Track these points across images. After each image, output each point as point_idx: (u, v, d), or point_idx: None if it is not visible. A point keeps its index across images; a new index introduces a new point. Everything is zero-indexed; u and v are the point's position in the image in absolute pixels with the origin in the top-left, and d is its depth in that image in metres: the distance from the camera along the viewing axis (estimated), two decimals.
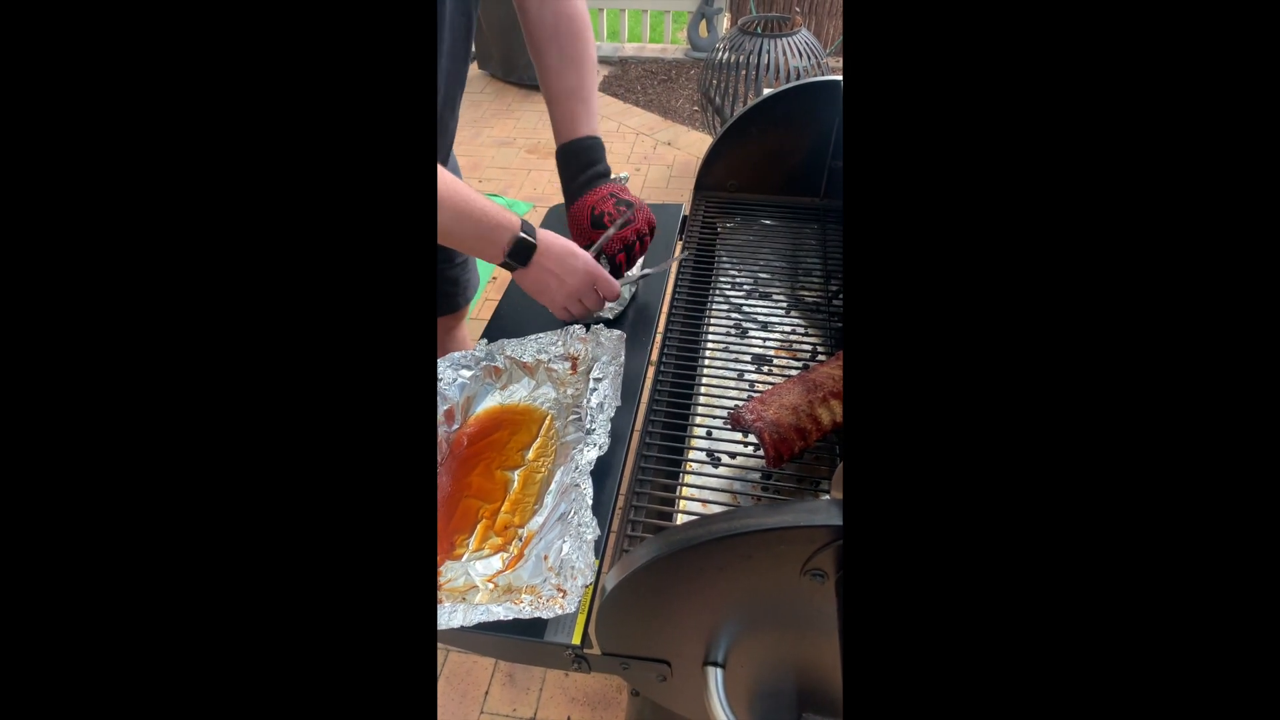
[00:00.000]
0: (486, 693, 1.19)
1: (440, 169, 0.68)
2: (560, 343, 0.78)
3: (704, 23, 3.41)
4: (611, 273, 0.82)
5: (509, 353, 0.77)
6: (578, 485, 0.61)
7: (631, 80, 3.34)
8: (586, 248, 0.80)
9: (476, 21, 0.80)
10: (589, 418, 0.67)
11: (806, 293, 0.89)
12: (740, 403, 0.68)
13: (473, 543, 0.64)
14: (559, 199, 1.01)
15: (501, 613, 0.54)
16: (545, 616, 0.54)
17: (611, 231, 0.81)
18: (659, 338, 0.84)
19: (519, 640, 0.57)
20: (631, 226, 0.82)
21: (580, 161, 0.82)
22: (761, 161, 1.02)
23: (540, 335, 0.78)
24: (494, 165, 2.71)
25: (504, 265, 0.72)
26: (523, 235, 0.71)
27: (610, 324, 0.84)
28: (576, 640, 0.56)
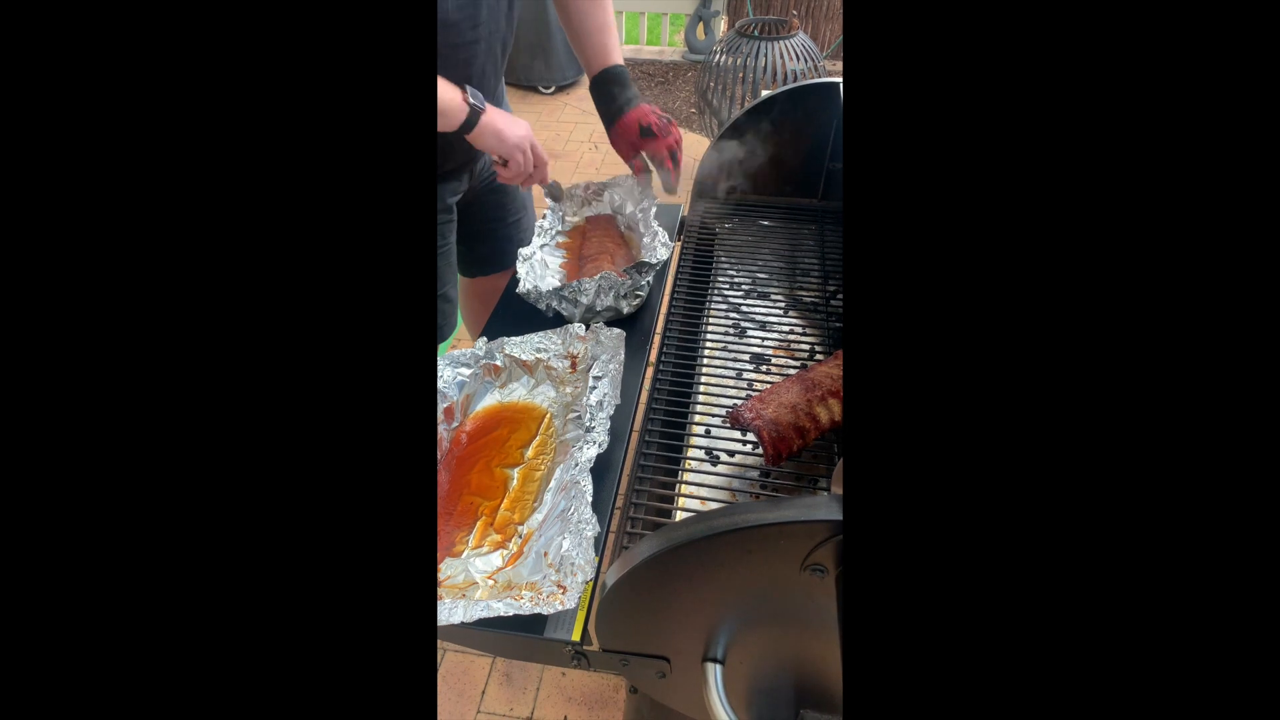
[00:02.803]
0: (483, 692, 1.19)
1: None
2: (560, 341, 0.78)
3: (701, 25, 3.42)
4: (664, 180, 0.98)
5: (508, 351, 0.77)
6: (577, 482, 0.61)
7: None
8: (634, 157, 0.97)
9: None
10: (588, 416, 0.68)
11: (804, 293, 0.90)
12: (739, 401, 0.68)
13: (472, 540, 0.64)
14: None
15: (502, 609, 0.54)
16: (545, 612, 0.54)
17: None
18: (658, 337, 0.85)
19: (519, 636, 0.57)
20: (674, 134, 0.97)
21: (619, 85, 0.96)
22: (759, 163, 1.03)
23: (540, 333, 0.79)
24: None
25: (466, 123, 0.83)
26: (473, 103, 0.84)
27: (610, 323, 0.84)
28: (576, 636, 0.56)
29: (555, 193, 1.04)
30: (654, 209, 0.94)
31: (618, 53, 0.98)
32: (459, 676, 1.21)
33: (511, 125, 0.88)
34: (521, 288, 0.86)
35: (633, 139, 0.96)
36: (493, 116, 0.86)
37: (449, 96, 0.82)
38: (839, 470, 0.41)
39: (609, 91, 0.97)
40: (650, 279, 0.85)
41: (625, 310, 0.85)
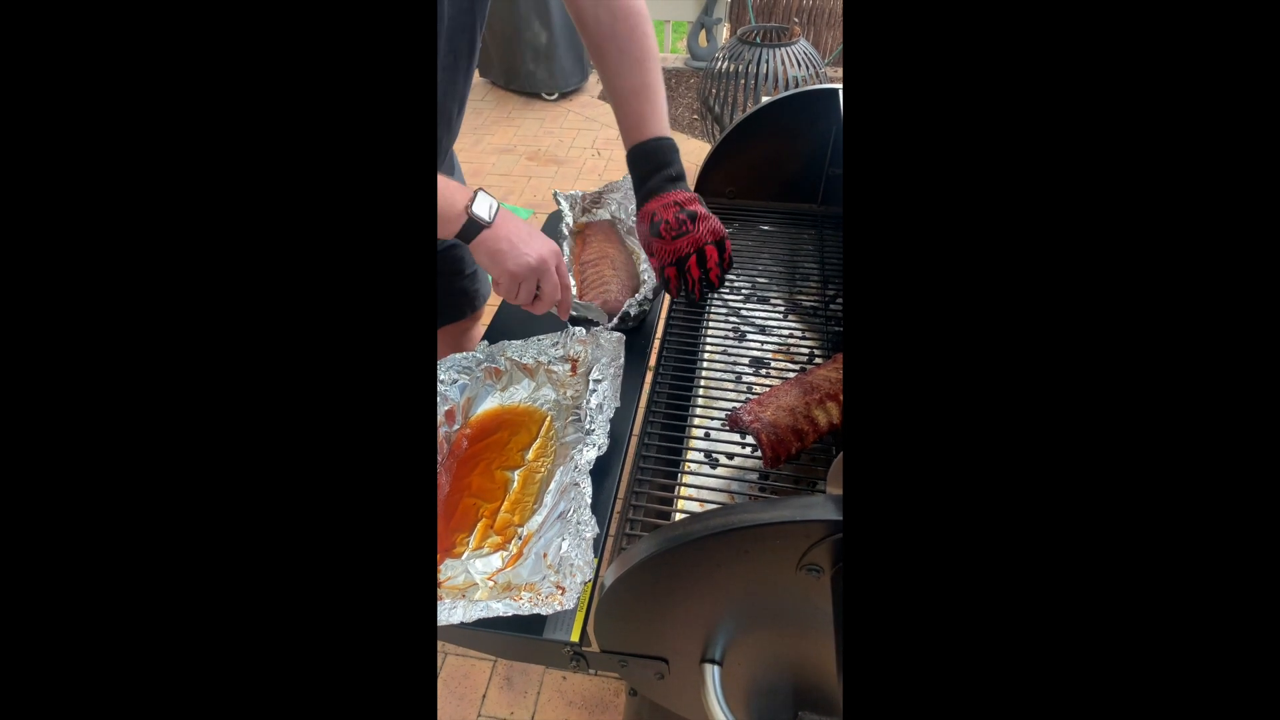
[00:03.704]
0: (484, 696, 1.19)
1: None
2: (560, 345, 0.78)
3: (704, 32, 3.44)
4: (664, 286, 0.80)
5: (509, 354, 0.78)
6: (577, 484, 0.62)
7: None
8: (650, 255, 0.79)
9: (484, 22, 0.79)
10: (588, 418, 0.68)
11: (804, 297, 0.90)
12: (738, 405, 0.69)
13: (473, 541, 0.64)
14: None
15: (501, 609, 0.54)
16: (544, 613, 0.54)
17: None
18: (658, 341, 0.85)
19: (518, 637, 0.58)
20: (688, 237, 0.75)
21: (649, 164, 0.78)
22: (760, 168, 1.04)
23: (541, 337, 0.79)
24: (495, 172, 2.73)
25: (464, 229, 0.69)
26: (482, 191, 0.70)
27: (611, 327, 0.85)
28: (575, 637, 0.57)
29: (594, 314, 0.83)
30: None
31: (657, 123, 0.78)
32: (460, 680, 1.22)
33: (518, 250, 0.70)
34: None
35: (645, 235, 0.79)
36: (499, 234, 0.69)
37: (449, 199, 0.67)
38: (834, 470, 0.41)
39: (636, 171, 0.79)
40: (648, 295, 0.86)
41: (631, 326, 0.86)
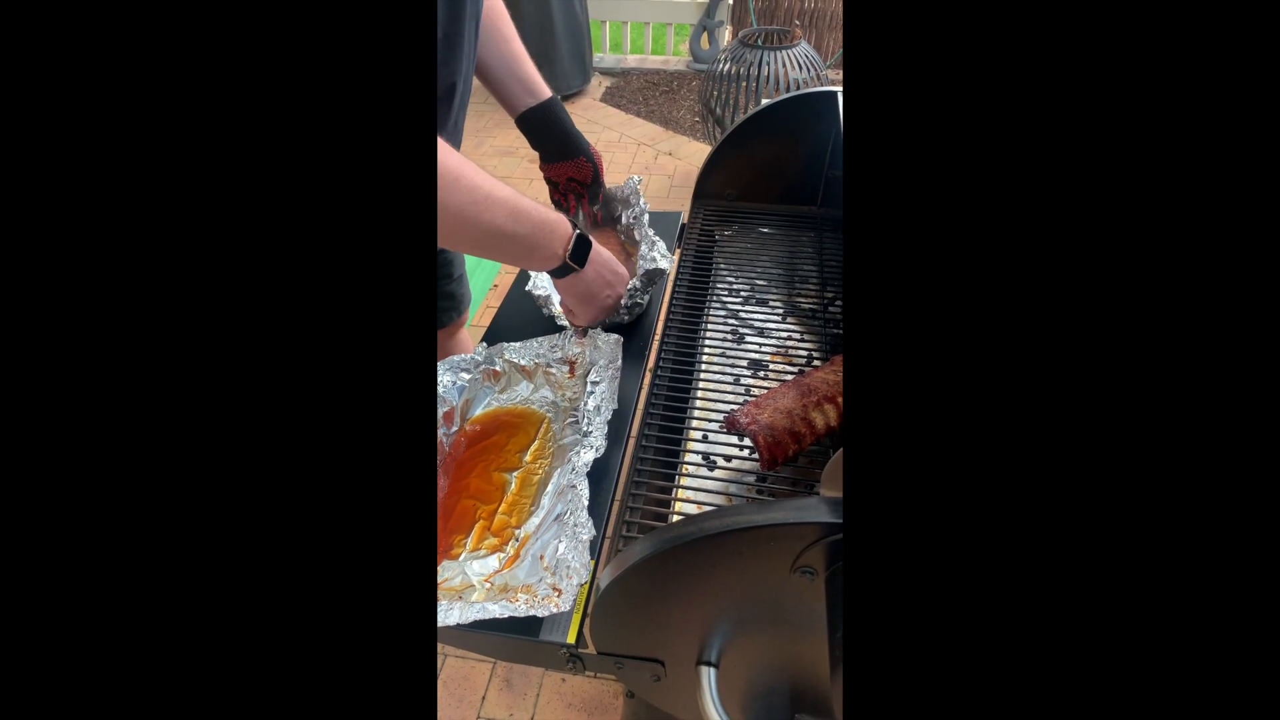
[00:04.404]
0: (484, 697, 1.19)
1: (484, 174, 0.65)
2: (558, 346, 0.79)
3: (705, 35, 3.44)
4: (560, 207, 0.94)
5: (508, 356, 0.78)
6: (574, 486, 0.62)
7: (634, 91, 3.37)
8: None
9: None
10: (586, 420, 0.68)
11: (803, 299, 0.90)
12: (736, 407, 0.69)
13: (470, 543, 0.64)
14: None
15: (497, 611, 0.54)
16: (540, 615, 0.54)
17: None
18: (656, 342, 0.85)
19: (514, 639, 0.58)
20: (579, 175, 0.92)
21: (564, 123, 0.89)
22: (759, 170, 1.04)
23: (539, 339, 0.79)
24: (496, 174, 2.72)
25: (557, 270, 0.70)
26: (580, 232, 0.70)
27: (609, 328, 0.85)
28: (571, 639, 0.57)
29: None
30: (646, 215, 0.94)
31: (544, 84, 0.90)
32: (459, 682, 1.22)
33: (603, 294, 0.74)
34: (530, 285, 0.87)
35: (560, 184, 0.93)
36: (588, 277, 0.71)
37: (545, 241, 0.66)
38: (828, 472, 0.41)
39: (558, 125, 0.89)
40: (638, 285, 0.86)
41: (626, 320, 0.86)
